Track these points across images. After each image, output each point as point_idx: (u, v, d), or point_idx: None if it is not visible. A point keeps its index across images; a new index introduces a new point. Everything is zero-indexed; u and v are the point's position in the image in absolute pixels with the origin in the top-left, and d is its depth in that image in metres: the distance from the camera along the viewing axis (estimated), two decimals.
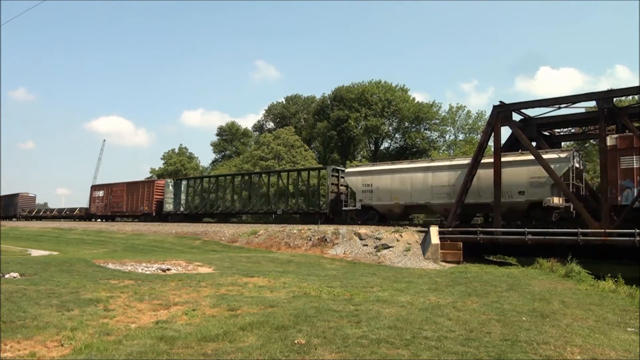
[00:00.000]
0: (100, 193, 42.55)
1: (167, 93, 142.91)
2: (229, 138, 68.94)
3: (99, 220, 42.71)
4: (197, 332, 5.96)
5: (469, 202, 19.00)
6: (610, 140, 16.23)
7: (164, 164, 66.43)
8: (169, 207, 35.32)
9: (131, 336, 5.74)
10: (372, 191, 22.50)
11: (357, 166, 26.83)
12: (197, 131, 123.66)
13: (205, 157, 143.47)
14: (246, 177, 33.02)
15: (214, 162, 68.41)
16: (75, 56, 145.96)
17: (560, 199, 17.96)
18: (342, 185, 25.99)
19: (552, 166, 17.09)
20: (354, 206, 23.52)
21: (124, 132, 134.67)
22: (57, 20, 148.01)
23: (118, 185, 40.94)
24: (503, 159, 18.04)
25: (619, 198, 15.85)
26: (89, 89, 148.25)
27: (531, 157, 17.66)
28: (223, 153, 69.03)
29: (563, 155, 18.07)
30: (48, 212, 52.45)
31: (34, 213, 52.93)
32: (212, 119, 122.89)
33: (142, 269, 12.95)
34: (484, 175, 18.82)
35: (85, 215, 45.23)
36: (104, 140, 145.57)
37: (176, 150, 69.10)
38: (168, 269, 13.04)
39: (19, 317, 6.47)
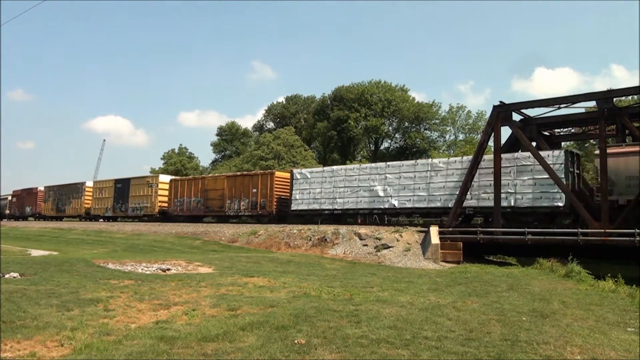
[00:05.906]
0: None
1: (165, 94, 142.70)
2: (229, 138, 68.98)
3: None
4: (197, 332, 5.96)
5: None
6: None
7: (164, 163, 66.51)
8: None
9: (131, 336, 5.75)
10: None
11: None
12: (195, 131, 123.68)
13: (203, 157, 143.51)
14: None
15: (214, 162, 68.47)
16: (72, 56, 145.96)
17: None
18: None
19: None
20: None
21: (123, 132, 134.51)
22: (56, 20, 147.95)
23: None
24: None
25: None
26: (86, 89, 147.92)
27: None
28: (223, 153, 69.08)
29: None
30: None
31: None
32: (209, 120, 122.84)
33: (142, 269, 12.95)
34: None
35: None
36: (104, 140, 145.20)
37: (176, 150, 69.25)
38: (168, 269, 13.04)
39: (19, 317, 6.48)
